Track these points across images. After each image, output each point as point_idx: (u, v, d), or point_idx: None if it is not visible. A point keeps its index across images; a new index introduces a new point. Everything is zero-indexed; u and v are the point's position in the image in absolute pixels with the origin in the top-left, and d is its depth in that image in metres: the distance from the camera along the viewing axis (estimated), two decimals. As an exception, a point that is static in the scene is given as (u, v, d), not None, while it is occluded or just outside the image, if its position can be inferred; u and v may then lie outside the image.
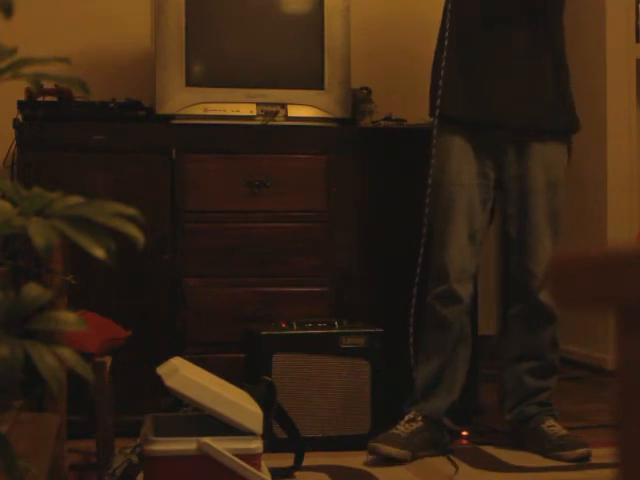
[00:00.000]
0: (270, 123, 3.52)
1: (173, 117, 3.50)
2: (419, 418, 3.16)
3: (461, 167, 3.16)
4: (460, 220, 3.16)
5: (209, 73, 3.60)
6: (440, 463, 3.02)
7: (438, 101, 3.09)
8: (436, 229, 3.18)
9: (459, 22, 3.09)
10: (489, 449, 3.20)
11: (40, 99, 3.43)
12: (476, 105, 3.15)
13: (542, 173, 3.18)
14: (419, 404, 3.18)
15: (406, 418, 3.16)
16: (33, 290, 1.13)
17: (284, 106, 3.55)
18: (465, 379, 3.26)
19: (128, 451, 2.62)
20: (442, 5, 3.27)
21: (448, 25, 3.12)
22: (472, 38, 3.14)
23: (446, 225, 3.16)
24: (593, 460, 3.06)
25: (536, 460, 3.11)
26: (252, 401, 2.53)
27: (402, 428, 3.13)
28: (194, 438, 2.37)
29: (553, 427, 3.20)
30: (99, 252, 1.06)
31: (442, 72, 3.08)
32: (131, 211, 1.12)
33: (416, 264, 3.00)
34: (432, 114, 3.25)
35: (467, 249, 3.17)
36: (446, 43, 3.08)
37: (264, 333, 3.21)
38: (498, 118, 3.15)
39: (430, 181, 3.10)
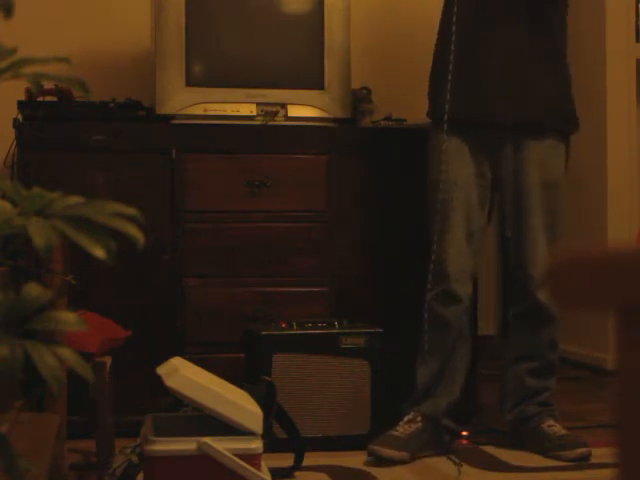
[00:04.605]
0: (270, 123, 3.51)
1: (173, 117, 3.50)
2: (418, 419, 3.16)
3: (458, 167, 3.16)
4: (458, 220, 3.16)
5: (209, 73, 3.59)
6: (440, 463, 3.02)
7: (439, 102, 3.09)
8: (434, 229, 3.18)
9: (458, 22, 3.09)
10: (489, 449, 3.20)
11: (40, 99, 3.43)
12: (473, 104, 3.15)
13: (537, 172, 3.17)
14: (419, 404, 3.18)
15: (405, 419, 3.16)
16: (33, 290, 1.13)
17: (284, 106, 3.55)
18: (465, 379, 3.26)
19: (128, 451, 2.62)
20: (442, 5, 3.28)
21: (447, 26, 3.12)
22: (470, 37, 3.13)
23: (444, 225, 3.16)
24: (593, 460, 3.06)
25: (536, 460, 3.11)
26: (252, 401, 2.53)
27: (401, 429, 3.13)
28: (194, 438, 2.37)
29: (553, 427, 3.20)
30: (99, 252, 1.06)
31: (443, 73, 3.07)
32: (131, 211, 1.12)
33: (424, 264, 2.98)
34: (430, 115, 3.27)
35: (465, 249, 3.17)
36: (452, 47, 3.06)
37: (264, 333, 3.21)
38: (495, 116, 3.14)
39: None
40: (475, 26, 3.13)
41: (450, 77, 3.07)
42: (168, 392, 2.46)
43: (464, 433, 3.32)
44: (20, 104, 3.40)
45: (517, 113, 3.14)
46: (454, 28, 3.06)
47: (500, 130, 3.15)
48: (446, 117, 3.09)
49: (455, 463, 2.96)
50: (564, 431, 3.19)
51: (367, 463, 3.04)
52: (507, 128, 3.15)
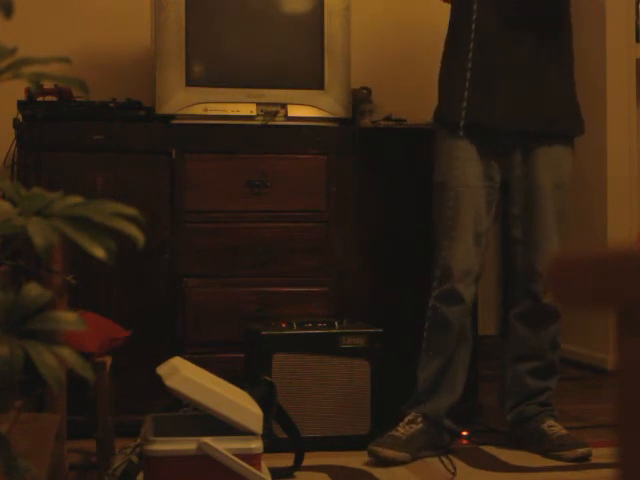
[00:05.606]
0: (270, 123, 3.51)
1: (173, 117, 3.50)
2: (419, 419, 3.16)
3: (467, 169, 3.15)
4: (466, 222, 3.15)
5: (209, 73, 3.59)
6: (439, 463, 3.02)
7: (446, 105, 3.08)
8: (441, 230, 3.17)
9: (468, 28, 3.07)
10: (489, 449, 3.20)
11: (40, 99, 3.43)
12: (484, 108, 3.13)
13: (549, 174, 3.18)
14: (420, 405, 3.18)
15: (406, 419, 3.16)
16: (33, 290, 1.13)
17: (284, 106, 3.54)
18: (465, 379, 3.26)
19: (128, 451, 2.61)
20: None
21: (456, 29, 3.11)
22: (481, 43, 3.11)
23: (452, 226, 3.15)
24: (593, 460, 3.06)
25: (536, 460, 3.11)
26: (252, 401, 2.53)
27: (402, 430, 3.13)
28: (194, 438, 2.37)
29: (553, 427, 3.20)
30: (99, 252, 1.06)
31: (452, 76, 3.06)
32: (131, 211, 1.12)
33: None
34: (437, 118, 3.25)
35: (472, 251, 3.17)
36: (464, 50, 3.05)
37: (264, 333, 3.20)
38: (506, 122, 3.14)
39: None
40: (485, 31, 3.11)
41: (459, 80, 3.06)
42: (168, 392, 2.46)
43: (464, 433, 3.31)
44: (20, 104, 3.40)
45: (529, 120, 3.14)
46: (456, 31, 3.05)
47: (511, 135, 3.15)
48: (462, 122, 3.08)
49: (448, 466, 2.95)
50: (564, 431, 3.19)
51: (367, 463, 3.04)
52: (518, 133, 3.15)
